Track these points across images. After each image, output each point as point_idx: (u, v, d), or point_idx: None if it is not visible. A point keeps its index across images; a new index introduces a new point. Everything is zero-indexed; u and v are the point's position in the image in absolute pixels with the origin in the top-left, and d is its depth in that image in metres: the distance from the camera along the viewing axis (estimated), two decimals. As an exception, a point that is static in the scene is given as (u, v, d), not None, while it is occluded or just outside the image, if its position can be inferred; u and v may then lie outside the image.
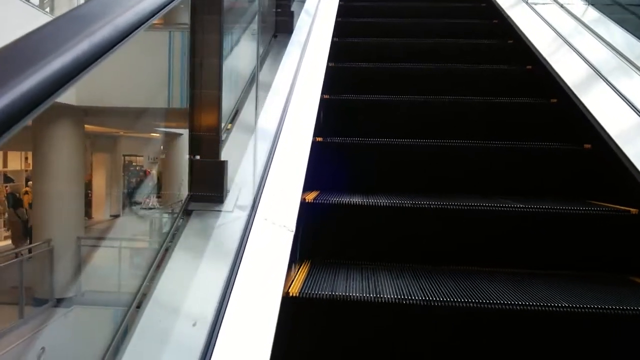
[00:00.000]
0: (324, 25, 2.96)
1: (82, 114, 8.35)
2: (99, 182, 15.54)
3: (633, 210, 1.59)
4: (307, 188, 1.75)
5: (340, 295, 1.30)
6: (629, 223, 1.59)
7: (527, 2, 3.30)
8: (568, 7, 2.95)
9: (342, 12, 3.37)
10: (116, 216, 15.19)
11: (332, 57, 2.62)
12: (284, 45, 2.47)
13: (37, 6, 7.58)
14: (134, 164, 16.99)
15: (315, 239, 1.65)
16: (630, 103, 1.93)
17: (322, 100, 2.16)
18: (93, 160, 15.57)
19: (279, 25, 2.61)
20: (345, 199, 1.67)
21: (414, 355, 1.35)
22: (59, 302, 8.04)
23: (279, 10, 2.64)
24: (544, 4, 3.12)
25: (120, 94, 6.91)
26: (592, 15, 2.76)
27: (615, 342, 1.31)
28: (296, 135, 1.83)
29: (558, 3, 3.05)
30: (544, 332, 1.32)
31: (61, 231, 8.11)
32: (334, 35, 2.93)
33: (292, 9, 2.70)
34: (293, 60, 2.33)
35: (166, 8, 0.82)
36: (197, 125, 1.40)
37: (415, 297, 1.30)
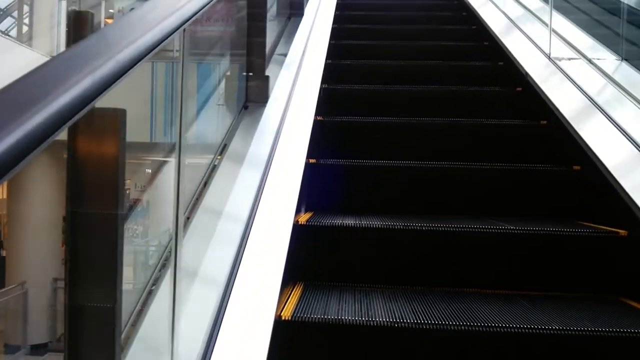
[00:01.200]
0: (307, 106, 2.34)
1: (61, 147, 8.41)
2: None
3: (622, 232, 1.69)
4: (300, 210, 1.85)
5: (332, 318, 1.38)
6: (618, 244, 1.70)
7: (516, 25, 3.47)
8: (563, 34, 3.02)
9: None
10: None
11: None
12: (257, 117, 1.98)
13: (14, 38, 7.75)
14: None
15: (308, 261, 1.74)
16: (618, 126, 2.06)
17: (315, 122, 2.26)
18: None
19: (251, 93, 2.06)
20: (338, 221, 1.77)
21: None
22: (32, 349, 7.91)
23: (251, 74, 2.08)
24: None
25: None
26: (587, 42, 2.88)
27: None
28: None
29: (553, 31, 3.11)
30: (536, 354, 1.40)
31: (36, 271, 8.06)
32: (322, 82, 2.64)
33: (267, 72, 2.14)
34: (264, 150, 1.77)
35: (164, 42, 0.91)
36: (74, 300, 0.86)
37: (407, 320, 1.38)
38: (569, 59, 2.71)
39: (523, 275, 1.74)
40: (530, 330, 1.35)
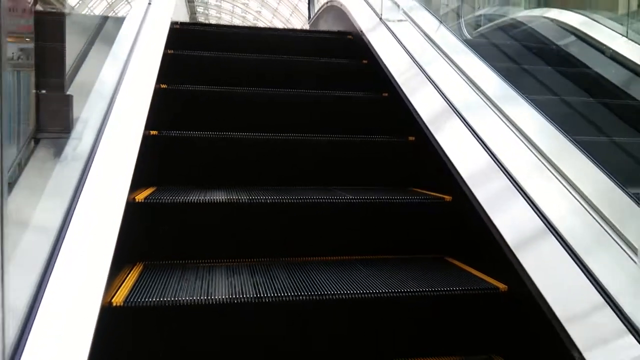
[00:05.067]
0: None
1: None
2: None
3: (447, 198, 1.82)
4: (140, 185, 1.72)
5: (169, 300, 1.31)
6: (444, 209, 1.83)
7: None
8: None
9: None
10: None
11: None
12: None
13: None
14: None
15: (148, 240, 1.63)
16: (449, 101, 2.19)
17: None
18: None
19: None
20: (181, 197, 1.67)
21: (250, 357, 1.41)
22: None
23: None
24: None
25: None
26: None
27: (434, 319, 1.50)
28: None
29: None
30: (369, 313, 1.47)
31: None
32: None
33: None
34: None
35: None
36: None
37: (248, 295, 1.36)
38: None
39: (361, 241, 1.81)
40: (361, 295, 1.40)
